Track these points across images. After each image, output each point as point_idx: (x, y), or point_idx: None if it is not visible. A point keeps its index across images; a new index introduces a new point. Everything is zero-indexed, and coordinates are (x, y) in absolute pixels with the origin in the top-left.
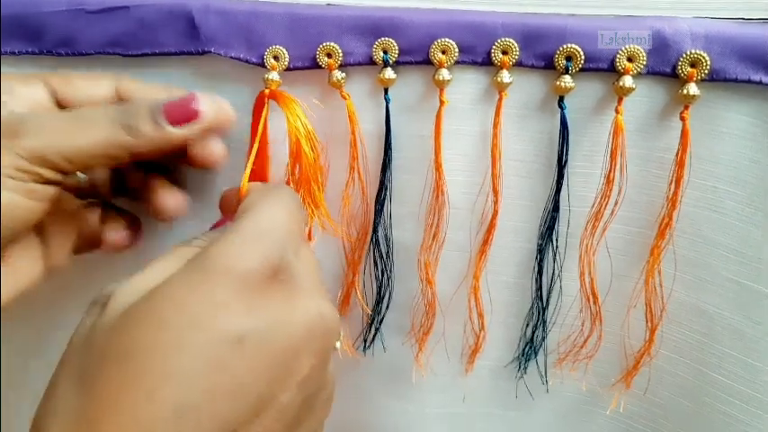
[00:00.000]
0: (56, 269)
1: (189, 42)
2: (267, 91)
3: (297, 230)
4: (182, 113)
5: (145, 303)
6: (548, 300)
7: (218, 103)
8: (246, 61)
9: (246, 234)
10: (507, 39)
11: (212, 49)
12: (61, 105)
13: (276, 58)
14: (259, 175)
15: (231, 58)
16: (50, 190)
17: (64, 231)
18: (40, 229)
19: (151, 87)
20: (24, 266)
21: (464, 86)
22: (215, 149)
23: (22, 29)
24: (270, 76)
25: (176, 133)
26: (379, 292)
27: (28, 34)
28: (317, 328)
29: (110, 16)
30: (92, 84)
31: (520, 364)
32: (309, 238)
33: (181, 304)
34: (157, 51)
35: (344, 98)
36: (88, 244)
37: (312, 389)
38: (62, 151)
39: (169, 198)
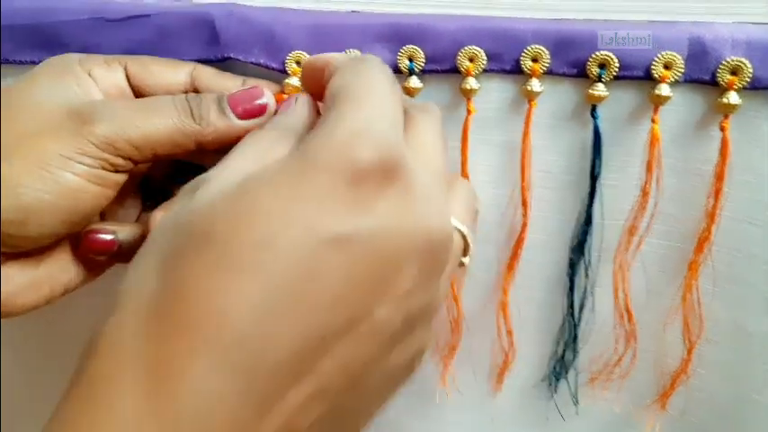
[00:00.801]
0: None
1: (209, 49)
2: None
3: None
4: (248, 109)
5: (238, 189)
6: (579, 316)
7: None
8: (267, 67)
9: (355, 122)
10: (537, 46)
11: (232, 55)
12: (137, 90)
13: (299, 63)
14: None
15: (252, 63)
16: (118, 177)
17: None
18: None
19: (225, 77)
20: (66, 268)
21: (492, 95)
22: None
23: (43, 38)
24: (290, 81)
25: (241, 125)
26: None
27: (48, 43)
28: (427, 240)
29: (130, 24)
30: (168, 70)
31: (550, 382)
32: None
33: (277, 195)
34: (177, 59)
35: None
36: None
37: (414, 309)
38: (131, 138)
39: None
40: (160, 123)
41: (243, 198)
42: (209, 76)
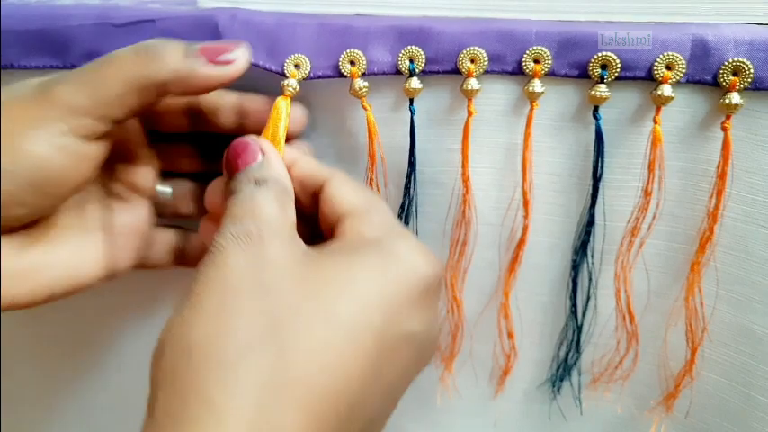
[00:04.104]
0: (115, 275)
1: None
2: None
3: None
4: (217, 59)
5: (338, 258)
6: (582, 318)
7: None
8: (266, 69)
9: (422, 244)
10: (539, 47)
11: None
12: None
13: (297, 66)
14: None
15: (251, 65)
16: (90, 149)
17: (131, 239)
18: (109, 228)
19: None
20: (82, 257)
21: (493, 97)
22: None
23: (49, 43)
24: (288, 83)
25: (206, 72)
26: None
27: (54, 48)
28: (437, 340)
29: (136, 29)
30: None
31: (553, 384)
32: None
33: (377, 287)
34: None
35: (365, 108)
36: (153, 262)
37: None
38: (90, 93)
39: None
40: (117, 70)
41: (342, 276)
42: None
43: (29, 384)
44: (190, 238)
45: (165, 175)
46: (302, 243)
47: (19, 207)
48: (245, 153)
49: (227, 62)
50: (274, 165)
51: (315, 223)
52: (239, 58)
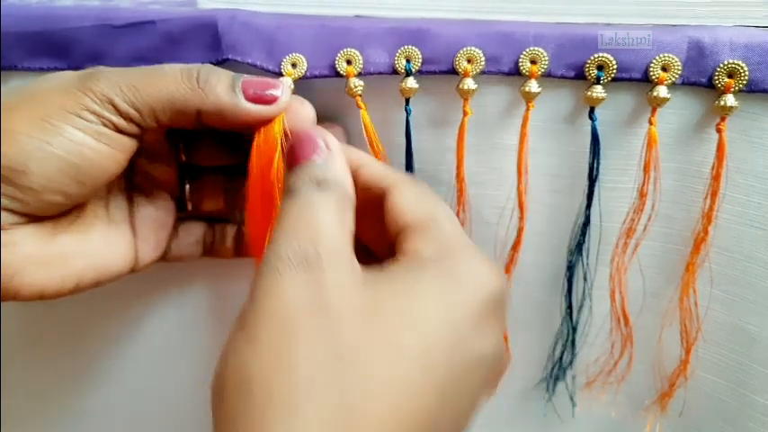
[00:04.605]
0: (140, 267)
1: (210, 53)
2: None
3: None
4: (260, 94)
5: (398, 285)
6: (577, 318)
7: (299, 101)
8: (263, 68)
9: (484, 258)
10: (537, 48)
11: (230, 56)
12: None
13: (294, 65)
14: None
15: (248, 64)
16: (125, 141)
17: (155, 232)
18: (133, 220)
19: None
20: (111, 249)
21: (489, 97)
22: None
23: (50, 45)
24: (284, 82)
25: (247, 107)
26: None
27: (55, 50)
28: (503, 354)
29: (136, 31)
30: None
31: (548, 385)
32: None
33: (441, 311)
34: None
35: (360, 107)
36: (179, 255)
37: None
38: (130, 98)
39: None
40: (162, 86)
41: (406, 301)
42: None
43: (22, 385)
44: (217, 230)
45: (189, 169)
46: (358, 266)
47: (55, 194)
48: (308, 146)
49: (270, 101)
50: (339, 165)
51: (370, 233)
52: (281, 96)
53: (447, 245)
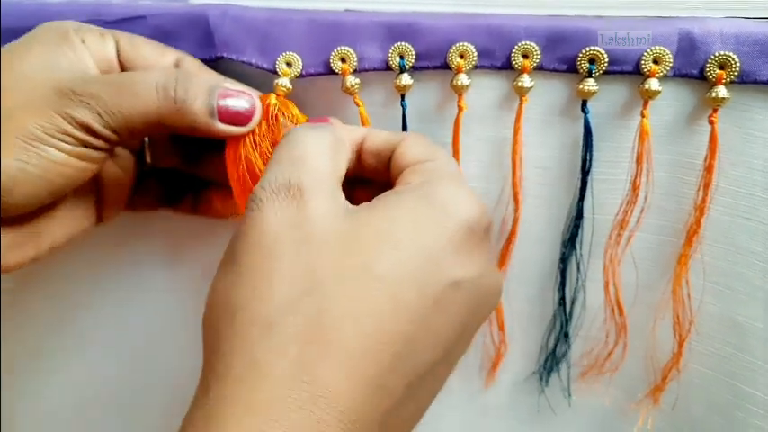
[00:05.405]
0: (105, 221)
1: (203, 50)
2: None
3: None
4: (233, 115)
5: (377, 212)
6: (571, 310)
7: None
8: (258, 67)
9: (467, 188)
10: (528, 42)
11: (224, 54)
12: (124, 67)
13: (289, 64)
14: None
15: (243, 63)
16: (101, 154)
17: (120, 186)
18: (97, 182)
19: (209, 72)
20: (77, 215)
21: (483, 92)
22: None
23: None
24: (280, 82)
25: (221, 129)
26: None
27: None
28: (497, 289)
29: (128, 26)
30: (157, 53)
31: (542, 376)
32: None
33: (415, 236)
34: (167, 45)
35: (357, 105)
36: (143, 204)
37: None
38: (108, 123)
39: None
40: (140, 107)
41: (380, 219)
42: (194, 68)
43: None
44: (177, 185)
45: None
46: (343, 197)
47: (29, 202)
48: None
49: (244, 122)
50: (338, 126)
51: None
52: (253, 117)
53: (434, 175)
